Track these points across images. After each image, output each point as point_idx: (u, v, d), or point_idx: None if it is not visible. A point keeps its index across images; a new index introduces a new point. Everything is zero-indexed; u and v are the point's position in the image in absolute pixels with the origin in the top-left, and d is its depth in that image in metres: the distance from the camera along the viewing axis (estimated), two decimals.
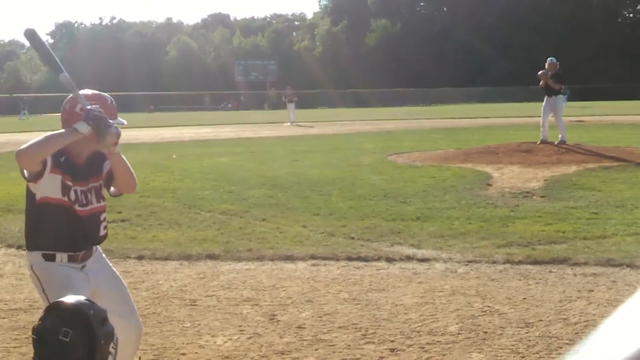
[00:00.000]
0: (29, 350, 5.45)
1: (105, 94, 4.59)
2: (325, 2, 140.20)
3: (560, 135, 20.10)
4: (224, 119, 55.15)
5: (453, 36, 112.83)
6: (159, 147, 27.81)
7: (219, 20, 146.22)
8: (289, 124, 44.67)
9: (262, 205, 12.72)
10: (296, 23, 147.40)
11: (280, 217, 11.58)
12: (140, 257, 9.14)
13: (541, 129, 20.32)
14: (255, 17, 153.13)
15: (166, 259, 9.08)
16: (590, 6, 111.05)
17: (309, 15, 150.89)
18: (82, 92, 4.40)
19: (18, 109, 75.13)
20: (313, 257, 8.91)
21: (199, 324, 6.58)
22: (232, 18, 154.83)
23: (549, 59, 20.32)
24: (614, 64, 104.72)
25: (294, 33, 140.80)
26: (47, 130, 4.49)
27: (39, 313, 6.75)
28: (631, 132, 29.53)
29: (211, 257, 9.06)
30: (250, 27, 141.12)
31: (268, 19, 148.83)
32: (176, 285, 7.91)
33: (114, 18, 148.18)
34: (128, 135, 36.19)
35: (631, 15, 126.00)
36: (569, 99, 68.89)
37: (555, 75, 20.01)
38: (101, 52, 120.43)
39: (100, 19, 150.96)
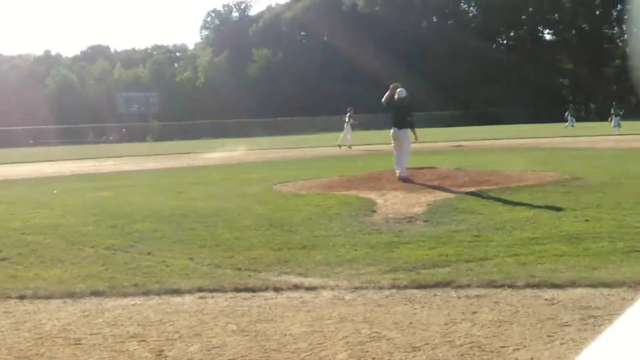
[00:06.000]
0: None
1: None
2: (206, 33, 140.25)
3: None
4: (106, 153, 54.27)
5: (333, 66, 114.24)
6: (39, 182, 27.14)
7: (99, 52, 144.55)
8: (347, 147, 44.83)
9: (147, 239, 12.53)
10: (177, 54, 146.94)
11: (166, 251, 11.42)
12: (21, 297, 8.85)
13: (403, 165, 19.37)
14: (136, 49, 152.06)
15: (49, 297, 8.82)
16: (467, 33, 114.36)
17: (191, 46, 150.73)
18: None
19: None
20: (200, 289, 8.80)
21: None
22: (112, 50, 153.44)
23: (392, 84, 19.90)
24: (492, 90, 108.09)
25: (175, 64, 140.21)
26: None
27: None
28: (508, 155, 30.38)
29: (96, 293, 8.83)
30: (131, 58, 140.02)
31: (149, 50, 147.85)
32: (60, 324, 7.70)
33: None
34: (7, 171, 35.26)
35: (505, 42, 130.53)
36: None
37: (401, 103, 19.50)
38: None
39: None
